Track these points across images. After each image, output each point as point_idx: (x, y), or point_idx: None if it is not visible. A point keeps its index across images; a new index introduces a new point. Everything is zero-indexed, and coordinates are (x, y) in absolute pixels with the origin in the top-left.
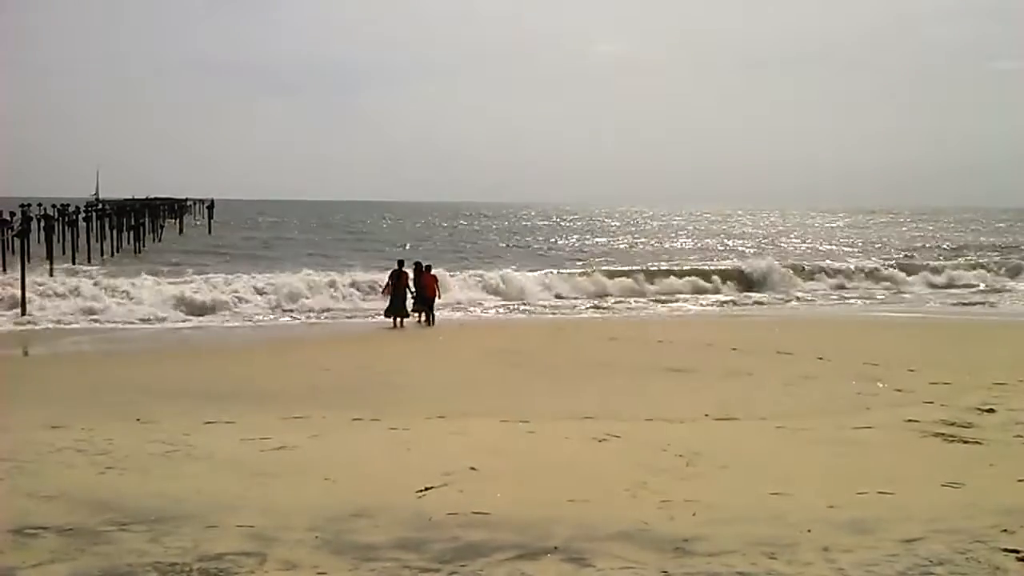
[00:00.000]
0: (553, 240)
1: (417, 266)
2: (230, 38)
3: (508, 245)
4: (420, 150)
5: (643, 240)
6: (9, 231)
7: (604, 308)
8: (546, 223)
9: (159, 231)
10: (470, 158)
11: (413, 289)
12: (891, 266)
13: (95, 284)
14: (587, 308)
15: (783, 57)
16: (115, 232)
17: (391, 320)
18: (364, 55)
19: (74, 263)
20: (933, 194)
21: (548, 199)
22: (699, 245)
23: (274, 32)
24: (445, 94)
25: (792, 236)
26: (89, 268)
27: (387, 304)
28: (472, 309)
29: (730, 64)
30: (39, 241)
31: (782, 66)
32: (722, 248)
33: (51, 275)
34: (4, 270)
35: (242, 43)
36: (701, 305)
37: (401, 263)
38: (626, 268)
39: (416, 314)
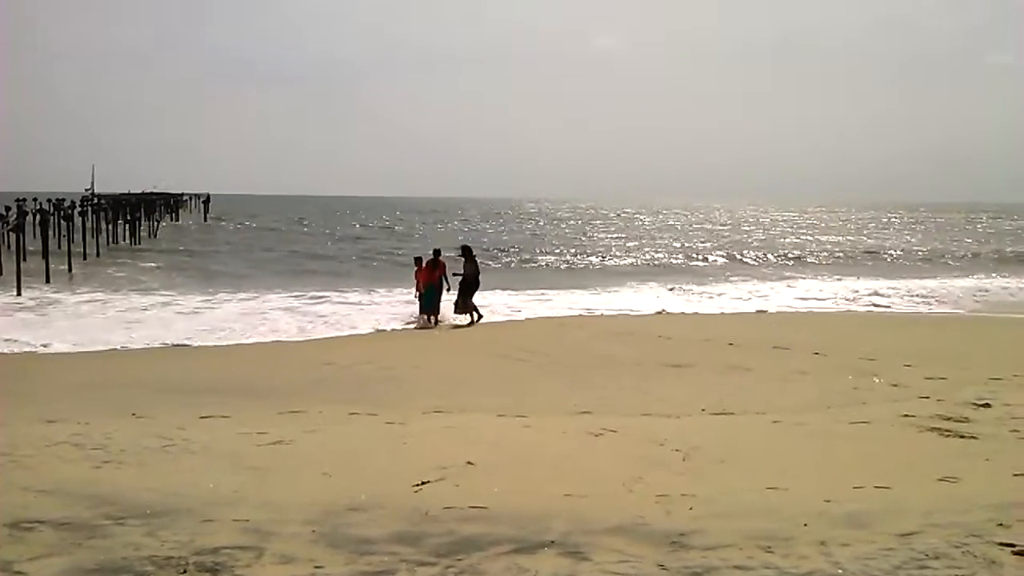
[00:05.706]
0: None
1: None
2: (230, 33)
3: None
4: (419, 145)
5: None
6: (4, 225)
7: None
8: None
9: (155, 226)
10: (466, 154)
11: (447, 281)
12: None
13: None
14: None
15: (780, 50)
16: (111, 227)
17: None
18: (365, 52)
19: (70, 270)
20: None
21: (547, 195)
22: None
23: (274, 27)
24: (444, 91)
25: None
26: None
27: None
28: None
29: (728, 57)
30: (35, 236)
31: (779, 59)
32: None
33: (47, 280)
34: (0, 272)
35: (242, 38)
36: None
37: (437, 252)
38: None
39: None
